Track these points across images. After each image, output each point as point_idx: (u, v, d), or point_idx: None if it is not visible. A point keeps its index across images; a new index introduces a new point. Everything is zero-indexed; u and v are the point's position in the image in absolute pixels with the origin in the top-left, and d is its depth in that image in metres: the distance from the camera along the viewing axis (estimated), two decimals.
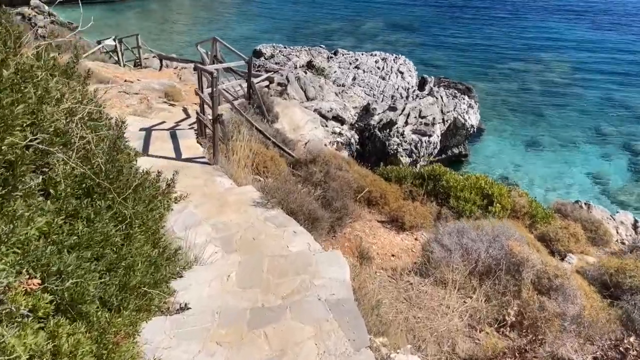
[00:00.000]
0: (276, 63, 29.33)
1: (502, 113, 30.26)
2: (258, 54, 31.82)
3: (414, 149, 22.21)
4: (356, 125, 23.81)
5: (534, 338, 3.95)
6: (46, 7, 47.64)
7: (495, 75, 34.80)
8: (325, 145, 19.92)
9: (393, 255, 6.61)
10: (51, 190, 3.56)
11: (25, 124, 3.06)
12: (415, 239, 7.29)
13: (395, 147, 22.17)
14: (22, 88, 3.05)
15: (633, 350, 3.73)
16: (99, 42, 22.24)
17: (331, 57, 30.16)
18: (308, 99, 23.23)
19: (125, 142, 5.02)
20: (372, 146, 22.99)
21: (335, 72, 27.80)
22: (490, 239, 5.42)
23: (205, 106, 9.00)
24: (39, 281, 2.84)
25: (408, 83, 27.66)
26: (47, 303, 2.75)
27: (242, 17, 51.01)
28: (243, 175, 7.29)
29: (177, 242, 5.32)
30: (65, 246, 3.39)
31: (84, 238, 3.55)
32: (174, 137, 9.03)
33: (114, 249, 3.84)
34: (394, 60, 29.52)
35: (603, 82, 33.41)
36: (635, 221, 10.68)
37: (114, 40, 21.62)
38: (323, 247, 5.84)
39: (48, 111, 3.22)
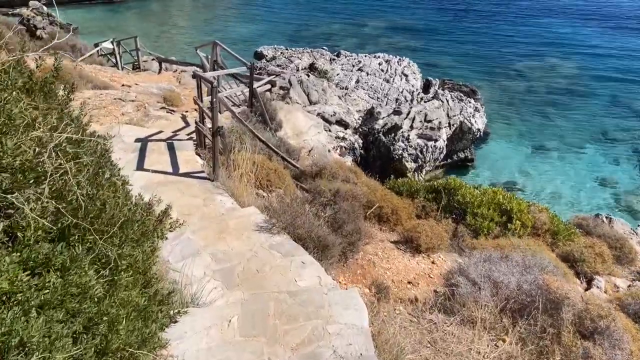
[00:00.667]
0: (278, 65, 28.77)
1: (508, 116, 29.69)
2: (259, 55, 31.29)
3: (419, 154, 21.64)
4: (360, 129, 23.25)
5: None
6: (45, 9, 47.18)
7: (499, 77, 34.23)
8: (329, 151, 19.37)
9: (409, 283, 6.04)
10: (19, 234, 2.99)
11: None
12: (432, 263, 6.72)
13: (400, 152, 21.60)
14: None
15: None
16: (96, 45, 21.70)
17: (334, 59, 29.61)
18: (311, 102, 22.68)
19: (113, 168, 4.45)
20: (376, 151, 22.42)
21: (338, 74, 27.25)
22: (521, 270, 4.86)
23: (205, 115, 8.44)
24: None
25: (413, 86, 27.09)
26: None
27: (243, 18, 50.48)
28: (245, 194, 6.72)
29: (173, 275, 4.75)
30: (33, 306, 2.81)
31: (57, 293, 2.97)
32: (171, 148, 8.47)
33: (94, 300, 3.25)
34: (397, 62, 28.97)
35: (610, 85, 32.84)
36: None
37: (112, 42, 21.09)
38: (334, 278, 5.27)
39: (8, 145, 2.64)
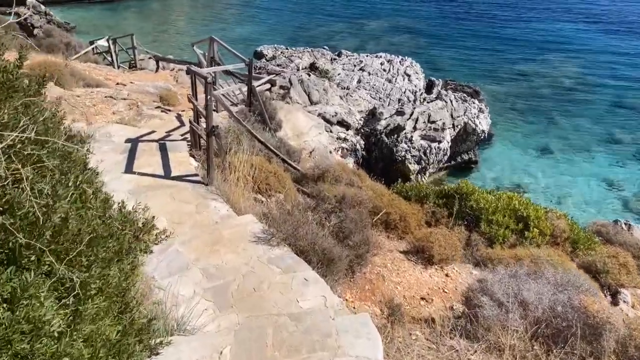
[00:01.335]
0: (278, 65, 28.21)
1: (511, 117, 29.14)
2: (259, 55, 30.73)
3: (422, 155, 21.08)
4: (362, 130, 22.69)
5: None
6: (43, 7, 46.63)
7: (502, 78, 33.69)
8: (331, 152, 18.81)
9: (423, 299, 5.48)
10: None
11: None
12: (446, 275, 6.15)
13: (403, 153, 21.04)
14: None
15: None
16: (91, 43, 21.13)
17: (335, 59, 29.05)
18: (312, 102, 22.12)
19: (87, 173, 3.84)
20: (378, 152, 21.85)
21: (339, 74, 26.69)
22: (553, 289, 4.31)
23: (200, 114, 7.87)
24: None
25: (415, 86, 26.53)
26: None
27: (242, 17, 49.94)
28: (242, 199, 6.16)
29: (158, 294, 4.17)
30: None
31: (2, 332, 2.41)
32: (163, 149, 7.90)
33: (53, 337, 2.66)
34: (400, 62, 28.41)
35: (615, 87, 32.32)
36: None
37: (108, 40, 20.51)
38: (341, 295, 4.70)
39: None
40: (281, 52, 30.50)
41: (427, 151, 21.06)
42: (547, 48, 38.25)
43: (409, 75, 27.26)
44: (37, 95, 3.41)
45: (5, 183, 2.61)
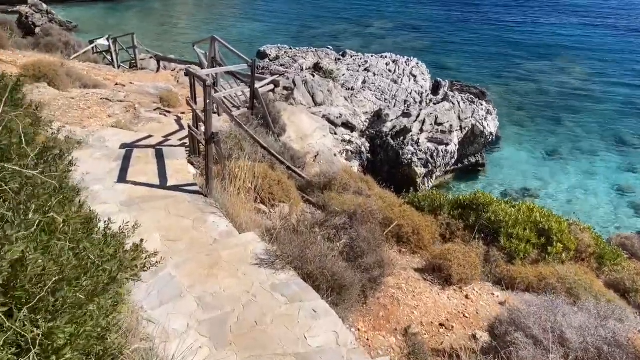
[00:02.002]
0: (281, 65, 27.70)
1: (519, 119, 28.57)
2: (262, 55, 30.22)
3: (429, 158, 20.53)
4: (367, 132, 22.15)
5: None
6: (45, 6, 46.26)
7: (509, 79, 33.10)
8: (335, 155, 18.31)
9: (442, 325, 4.96)
10: None
11: None
12: (466, 297, 5.63)
13: (409, 156, 20.49)
14: None
15: None
16: (91, 42, 20.67)
17: (339, 59, 28.51)
18: (316, 104, 21.59)
19: (64, 193, 3.35)
20: (384, 155, 21.31)
21: (343, 74, 26.14)
22: (594, 321, 3.79)
23: (199, 119, 7.37)
24: None
25: (421, 87, 25.98)
26: None
27: (246, 16, 49.46)
28: (243, 212, 5.65)
29: (146, 328, 3.66)
30: None
31: None
32: (160, 156, 7.41)
33: None
34: (405, 62, 27.85)
35: (624, 88, 31.71)
36: None
37: (108, 39, 20.05)
38: (353, 324, 4.20)
39: None
40: (285, 52, 29.99)
41: (434, 154, 20.51)
42: (555, 49, 37.64)
43: (414, 76, 26.71)
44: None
45: None
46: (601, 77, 32.89)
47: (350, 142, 21.28)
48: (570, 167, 24.08)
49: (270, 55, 29.81)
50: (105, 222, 4.10)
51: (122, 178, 6.61)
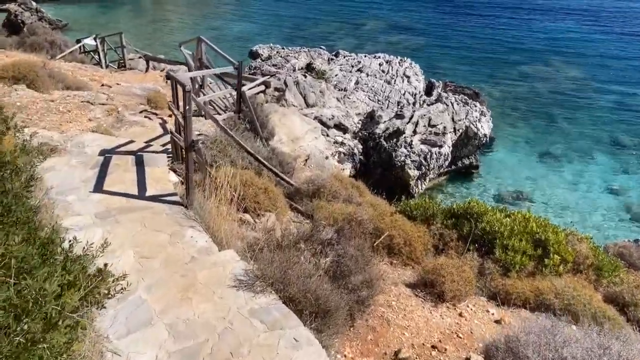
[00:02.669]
0: (273, 65, 27.34)
1: (512, 121, 28.42)
2: (254, 54, 29.85)
3: (423, 160, 20.25)
4: (360, 134, 21.86)
5: None
6: (34, 4, 45.61)
7: (503, 80, 32.96)
8: (327, 157, 18.02)
9: (434, 348, 4.67)
10: None
11: None
12: (460, 315, 5.35)
13: (402, 158, 20.21)
14: None
15: None
16: (78, 41, 20.22)
17: (332, 59, 28.20)
18: (308, 105, 21.28)
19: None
20: (377, 157, 21.02)
21: (336, 75, 25.84)
22: (597, 349, 3.51)
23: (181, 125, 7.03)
24: None
25: (415, 88, 25.73)
26: None
27: (238, 16, 49.05)
28: (224, 226, 5.32)
29: None
30: None
31: None
32: (140, 163, 7.07)
33: None
34: (399, 63, 27.60)
35: (618, 89, 31.67)
36: None
37: (95, 39, 19.61)
38: (339, 351, 3.89)
39: None
40: (277, 52, 29.62)
41: (428, 156, 20.25)
42: (549, 51, 37.56)
43: (408, 77, 26.45)
44: None
45: None
46: (594, 80, 32.83)
47: (342, 143, 20.99)
48: (564, 169, 23.94)
49: (262, 55, 29.44)
50: (70, 241, 3.77)
51: (98, 187, 6.26)
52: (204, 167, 6.40)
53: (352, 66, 26.99)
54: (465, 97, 25.39)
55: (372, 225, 7.00)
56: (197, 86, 11.28)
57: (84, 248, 3.59)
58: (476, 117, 23.12)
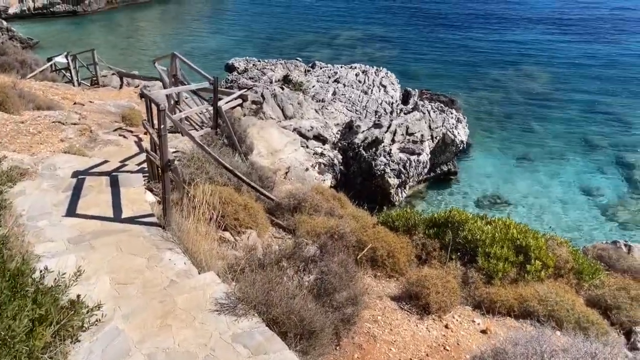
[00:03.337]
0: (250, 78, 27.28)
1: (488, 126, 28.92)
2: (230, 68, 29.74)
3: (402, 169, 20.38)
4: (339, 144, 21.92)
5: None
6: (5, 23, 44.78)
7: (477, 87, 33.58)
8: (307, 169, 17.94)
9: None
10: None
11: None
12: (446, 327, 5.31)
13: (382, 167, 20.31)
14: None
15: None
16: (49, 60, 19.83)
17: (309, 71, 28.29)
18: (286, 117, 21.25)
19: None
20: (357, 167, 21.09)
21: (313, 86, 25.91)
22: (585, 356, 3.50)
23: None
24: None
25: (392, 97, 25.96)
26: None
27: (213, 29, 48.90)
28: (204, 246, 5.20)
29: None
30: None
31: None
32: (115, 184, 6.89)
33: None
34: (375, 73, 27.84)
35: (587, 92, 32.55)
36: None
37: (67, 56, 19.25)
38: None
39: None
40: (253, 65, 29.57)
41: (407, 164, 20.39)
42: (521, 57, 38.42)
43: (384, 86, 26.69)
44: None
45: None
46: (564, 84, 33.67)
47: (322, 154, 20.99)
48: (540, 172, 24.39)
49: (238, 68, 29.35)
50: (41, 271, 3.61)
51: (71, 211, 6.07)
52: (181, 186, 6.27)
53: (329, 77, 27.12)
54: (441, 105, 25.73)
55: (355, 237, 6.96)
56: (172, 102, 11.13)
57: (55, 279, 3.45)
58: (453, 124, 23.42)
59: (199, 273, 4.78)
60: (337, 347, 4.44)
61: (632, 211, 21.58)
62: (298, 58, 31.32)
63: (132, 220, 5.93)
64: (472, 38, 43.43)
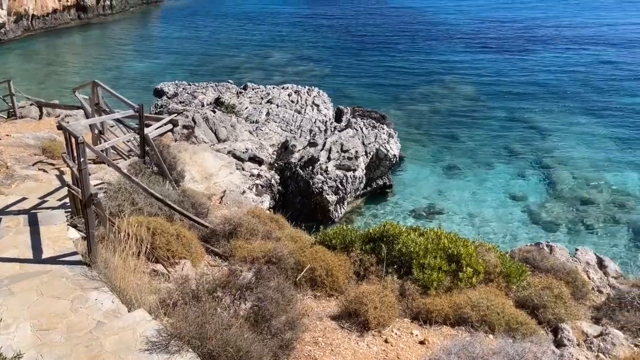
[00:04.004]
0: (180, 102, 26.75)
1: (418, 139, 30.08)
2: (159, 92, 29.03)
3: (339, 185, 20.67)
4: (276, 164, 21.90)
5: None
6: None
7: (406, 102, 34.96)
8: (244, 192, 17.73)
9: None
10: None
11: None
12: (386, 341, 5.38)
13: (320, 185, 20.48)
14: None
15: None
16: None
17: (241, 93, 28.20)
18: (220, 140, 20.98)
19: None
20: (295, 186, 21.14)
21: (246, 108, 25.84)
22: (513, 356, 3.67)
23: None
24: None
25: (325, 115, 26.39)
26: None
27: (140, 54, 47.64)
28: (133, 282, 4.96)
29: None
30: None
31: None
32: (34, 223, 6.46)
33: None
34: (307, 92, 28.23)
35: (505, 102, 34.73)
36: (600, 260, 9.71)
37: None
38: None
39: None
40: (183, 89, 29.05)
41: (344, 181, 20.70)
42: (445, 73, 40.45)
43: (317, 105, 27.10)
44: None
45: None
46: (486, 96, 35.76)
47: (259, 176, 20.85)
48: (469, 180, 25.55)
49: (167, 92, 28.72)
50: None
51: None
52: (107, 220, 5.98)
53: (262, 98, 27.17)
54: (373, 121, 26.47)
55: (293, 259, 6.93)
56: (97, 132, 10.67)
57: None
58: (385, 139, 24.12)
59: (129, 311, 4.55)
60: None
61: (552, 212, 23.02)
62: (229, 80, 31.16)
63: (53, 260, 5.56)
64: (399, 57, 45.26)
